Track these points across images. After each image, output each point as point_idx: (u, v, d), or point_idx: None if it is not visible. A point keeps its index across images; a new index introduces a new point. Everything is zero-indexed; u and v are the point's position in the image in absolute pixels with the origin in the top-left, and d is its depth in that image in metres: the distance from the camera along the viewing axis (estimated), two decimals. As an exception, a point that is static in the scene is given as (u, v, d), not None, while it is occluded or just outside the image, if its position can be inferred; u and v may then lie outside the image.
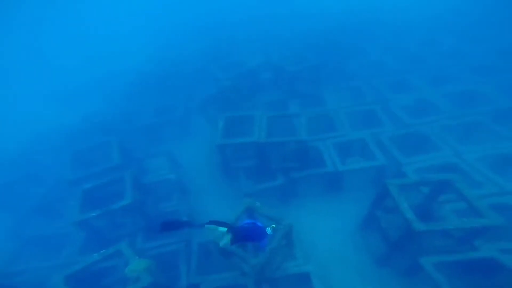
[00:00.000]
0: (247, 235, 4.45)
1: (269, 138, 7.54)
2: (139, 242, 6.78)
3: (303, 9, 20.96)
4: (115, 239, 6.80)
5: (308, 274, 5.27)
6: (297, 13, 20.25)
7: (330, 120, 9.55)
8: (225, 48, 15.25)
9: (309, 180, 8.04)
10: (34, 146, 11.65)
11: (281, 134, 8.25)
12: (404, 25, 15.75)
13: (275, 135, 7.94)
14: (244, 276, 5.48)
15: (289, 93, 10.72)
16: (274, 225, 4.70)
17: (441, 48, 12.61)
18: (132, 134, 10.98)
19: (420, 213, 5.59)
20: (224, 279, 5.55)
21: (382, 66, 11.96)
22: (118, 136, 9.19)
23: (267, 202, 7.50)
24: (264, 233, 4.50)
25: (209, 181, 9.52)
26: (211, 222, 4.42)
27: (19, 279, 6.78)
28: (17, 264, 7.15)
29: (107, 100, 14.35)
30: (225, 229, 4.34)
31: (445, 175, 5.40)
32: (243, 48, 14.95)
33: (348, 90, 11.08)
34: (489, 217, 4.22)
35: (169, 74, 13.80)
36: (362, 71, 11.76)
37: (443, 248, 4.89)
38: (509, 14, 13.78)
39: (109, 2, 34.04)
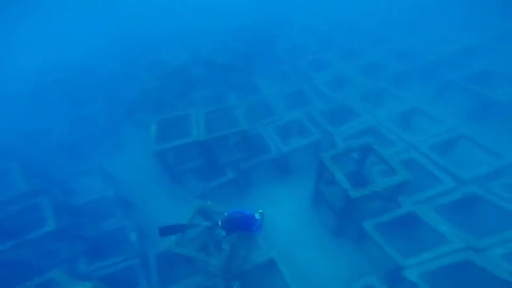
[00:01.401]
0: (238, 224, 4.64)
1: (209, 134, 7.27)
2: (82, 265, 6.22)
3: (221, 3, 20.01)
4: (49, 268, 6.06)
5: (273, 260, 5.34)
6: (217, 7, 19.21)
7: (267, 105, 9.87)
8: (143, 47, 13.67)
9: (259, 167, 8.12)
10: None
11: (221, 128, 7.98)
12: (314, 6, 16.74)
13: (215, 130, 7.68)
14: (212, 277, 5.32)
15: (225, 85, 10.43)
16: (261, 210, 4.92)
17: (346, 24, 14.10)
18: (46, 155, 9.30)
19: (355, 180, 6.19)
20: (192, 285, 5.38)
21: (302, 48, 12.51)
22: (22, 160, 7.79)
23: (223, 198, 7.42)
24: (254, 219, 4.72)
25: (156, 190, 8.83)
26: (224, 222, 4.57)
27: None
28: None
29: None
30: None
31: (364, 139, 5.92)
32: (165, 45, 13.70)
33: (277, 74, 11.43)
34: (401, 174, 4.83)
35: (81, 82, 11.62)
36: (287, 55, 12.12)
37: (378, 209, 5.44)
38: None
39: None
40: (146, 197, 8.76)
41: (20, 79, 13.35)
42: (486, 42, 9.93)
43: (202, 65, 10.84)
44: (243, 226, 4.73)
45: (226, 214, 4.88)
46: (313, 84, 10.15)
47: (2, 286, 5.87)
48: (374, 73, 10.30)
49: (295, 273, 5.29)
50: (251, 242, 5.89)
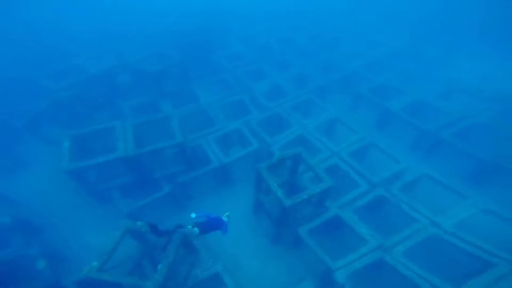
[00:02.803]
0: (209, 226, 4.74)
1: (139, 148, 6.40)
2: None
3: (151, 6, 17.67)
4: None
5: (218, 274, 5.16)
6: (147, 10, 17.01)
7: (207, 115, 9.42)
8: (53, 51, 11.22)
9: (199, 179, 7.64)
10: None
11: (155, 140, 7.06)
12: (251, 17, 16.82)
13: (147, 143, 6.79)
14: None
15: (158, 93, 9.40)
16: (228, 213, 5.02)
17: (279, 36, 14.65)
18: None
19: (290, 187, 6.41)
20: None
21: (241, 57, 12.38)
22: None
23: (157, 215, 6.91)
24: (222, 221, 4.81)
25: (72, 210, 7.55)
26: (178, 226, 4.61)
27: None
28: None
29: None
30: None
31: (295, 149, 6.08)
32: (83, 49, 11.30)
33: (217, 83, 10.96)
34: (326, 181, 5.17)
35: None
36: (227, 64, 11.77)
37: (310, 215, 5.74)
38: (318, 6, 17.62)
39: None
40: (59, 219, 7.38)
41: None
42: (386, 58, 11.84)
43: (129, 72, 9.55)
44: (213, 227, 4.81)
45: (193, 215, 4.72)
46: (251, 94, 10.20)
47: None
48: (304, 84, 11.02)
49: (241, 283, 5.21)
50: (193, 257, 5.57)
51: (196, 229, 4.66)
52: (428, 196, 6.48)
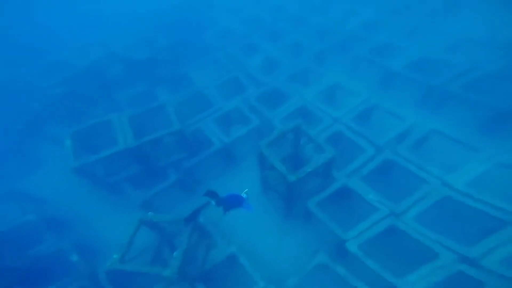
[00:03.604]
0: (231, 203, 4.71)
1: (138, 139, 6.22)
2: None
3: None
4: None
5: (233, 255, 5.14)
6: None
7: (205, 97, 9.10)
8: (33, 46, 10.66)
9: (204, 163, 7.42)
10: None
11: (155, 129, 6.80)
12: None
13: (147, 133, 6.56)
14: (173, 284, 4.74)
15: (152, 81, 8.93)
16: (246, 189, 5.02)
17: (268, 4, 13.58)
18: None
19: (293, 161, 6.18)
20: None
21: (232, 32, 11.54)
22: None
23: (169, 202, 6.91)
24: (242, 198, 4.76)
25: (92, 203, 7.56)
26: (208, 193, 4.59)
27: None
28: None
29: None
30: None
31: (294, 121, 5.76)
32: (63, 42, 10.71)
33: (210, 63, 10.28)
34: (328, 151, 4.88)
35: None
36: (217, 42, 11.01)
37: (318, 187, 5.52)
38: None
39: None
40: (83, 212, 7.43)
41: None
42: (384, 15, 10.78)
43: (118, 63, 8.96)
44: (235, 203, 4.77)
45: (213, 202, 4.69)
46: (246, 70, 9.64)
47: None
48: (299, 53, 10.27)
49: (257, 262, 5.16)
50: (209, 241, 5.59)
51: (218, 205, 4.60)
52: (438, 153, 6.07)
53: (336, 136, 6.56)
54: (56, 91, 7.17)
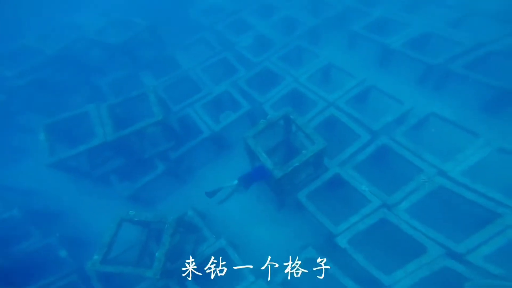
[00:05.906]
0: (254, 177, 4.78)
1: (118, 132, 5.58)
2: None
3: None
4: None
5: (223, 249, 4.85)
6: None
7: (192, 80, 8.39)
8: None
9: (194, 151, 6.88)
10: None
11: (141, 116, 6.13)
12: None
13: (130, 122, 5.88)
14: (160, 281, 4.50)
15: (136, 65, 8.03)
16: (235, 181, 4.98)
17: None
18: None
19: (286, 148, 5.70)
20: None
21: (220, 8, 10.16)
22: None
23: (159, 193, 6.62)
24: (266, 168, 4.56)
25: (80, 194, 7.15)
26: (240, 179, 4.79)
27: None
28: None
29: None
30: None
31: (283, 109, 5.18)
32: (26, 26, 9.50)
33: (197, 43, 9.17)
34: (318, 142, 4.36)
35: None
36: (204, 19, 9.73)
37: (309, 177, 5.10)
38: None
39: None
40: (70, 204, 7.05)
41: None
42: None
43: (95, 47, 7.93)
44: (259, 176, 4.76)
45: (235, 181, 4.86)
46: (236, 50, 8.72)
47: None
48: (292, 29, 9.24)
49: (248, 254, 4.88)
50: (198, 235, 5.30)
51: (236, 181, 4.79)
52: (436, 139, 5.58)
53: (331, 121, 5.98)
54: (24, 80, 6.30)
